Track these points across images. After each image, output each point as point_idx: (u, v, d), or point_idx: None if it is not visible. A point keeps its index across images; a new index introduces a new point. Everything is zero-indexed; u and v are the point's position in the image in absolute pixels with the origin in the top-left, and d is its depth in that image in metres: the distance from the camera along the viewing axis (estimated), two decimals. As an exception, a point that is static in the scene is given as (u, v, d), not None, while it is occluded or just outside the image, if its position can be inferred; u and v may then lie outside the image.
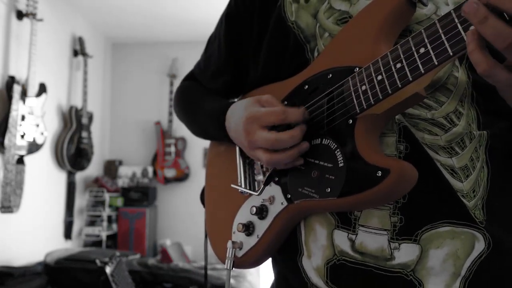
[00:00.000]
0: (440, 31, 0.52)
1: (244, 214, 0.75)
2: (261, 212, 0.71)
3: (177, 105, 0.98)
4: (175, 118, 4.84)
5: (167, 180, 4.78)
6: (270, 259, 0.82)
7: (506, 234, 0.63)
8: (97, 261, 3.01)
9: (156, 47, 5.06)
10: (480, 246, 0.61)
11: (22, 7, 3.33)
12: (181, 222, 4.80)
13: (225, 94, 0.91)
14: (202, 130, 0.92)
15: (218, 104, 0.84)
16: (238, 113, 0.73)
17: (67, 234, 4.04)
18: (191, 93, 0.96)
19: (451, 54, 0.51)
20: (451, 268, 0.61)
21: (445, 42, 0.51)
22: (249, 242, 0.73)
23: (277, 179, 0.71)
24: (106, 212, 4.39)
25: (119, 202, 4.58)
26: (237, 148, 0.79)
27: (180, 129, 4.85)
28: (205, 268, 0.92)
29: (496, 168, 0.64)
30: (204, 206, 0.89)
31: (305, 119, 0.67)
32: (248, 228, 0.73)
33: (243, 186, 0.76)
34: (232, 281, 3.42)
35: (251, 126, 0.68)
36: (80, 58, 4.28)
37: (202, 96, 0.92)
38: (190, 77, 1.00)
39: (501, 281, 0.62)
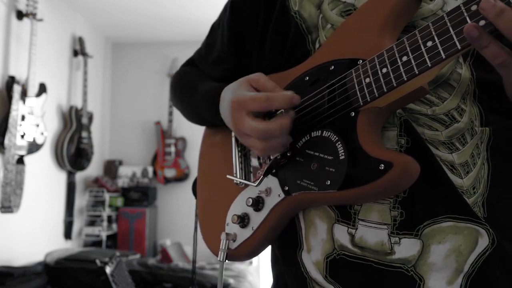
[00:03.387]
0: (449, 24, 0.51)
1: (239, 206, 0.74)
2: (257, 204, 0.70)
3: (173, 88, 0.97)
4: (175, 118, 4.84)
5: (167, 180, 4.78)
6: (270, 261, 0.81)
7: (507, 232, 0.62)
8: (97, 261, 3.01)
9: (156, 47, 5.06)
10: (484, 242, 0.60)
11: (22, 7, 3.33)
12: (181, 222, 4.79)
13: (225, 82, 0.90)
14: (197, 114, 0.90)
15: (213, 86, 0.82)
16: (228, 95, 0.71)
17: (67, 234, 4.03)
18: (188, 76, 0.94)
19: (459, 48, 0.51)
20: (453, 264, 0.60)
21: (454, 36, 0.51)
22: (244, 234, 0.72)
23: (274, 170, 0.70)
24: (106, 212, 4.39)
25: (119, 202, 4.57)
26: (233, 139, 0.78)
27: (180, 129, 4.85)
28: (193, 262, 0.91)
29: (498, 165, 0.63)
30: (196, 198, 0.89)
31: (294, 105, 0.64)
32: (243, 220, 0.71)
33: (238, 176, 0.75)
34: (232, 281, 3.42)
35: (237, 113, 0.66)
36: (80, 58, 4.28)
37: (199, 80, 0.90)
38: (190, 63, 0.98)
39: (505, 279, 0.61)
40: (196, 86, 0.88)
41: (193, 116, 0.92)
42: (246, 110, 0.65)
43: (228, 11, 0.88)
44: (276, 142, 0.65)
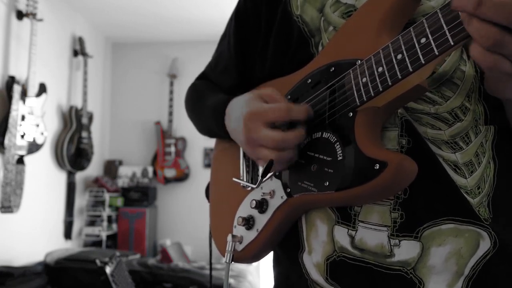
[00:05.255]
0: (442, 20, 0.51)
1: (245, 208, 0.75)
2: (261, 206, 0.70)
3: (185, 103, 0.99)
4: (175, 118, 4.84)
5: (167, 180, 4.78)
6: (271, 260, 0.82)
7: None
8: (97, 261, 3.01)
9: (156, 47, 5.06)
10: (485, 245, 0.59)
11: (22, 7, 3.33)
12: (181, 222, 4.79)
13: (234, 92, 0.89)
14: (205, 126, 0.91)
15: (220, 99, 0.83)
16: (238, 109, 0.72)
17: (67, 234, 4.03)
18: (198, 91, 0.96)
19: (452, 43, 0.50)
20: (454, 267, 0.59)
21: (447, 32, 0.50)
22: (249, 236, 0.72)
23: (277, 173, 0.70)
24: (106, 212, 4.39)
25: (119, 202, 4.58)
26: None
27: (180, 129, 4.85)
28: (210, 264, 0.92)
29: (504, 164, 0.62)
30: (209, 201, 0.90)
31: (309, 116, 0.66)
32: (248, 222, 0.72)
33: (245, 180, 0.76)
34: (232, 281, 3.42)
35: (253, 123, 0.66)
36: (80, 58, 4.28)
37: (207, 93, 0.91)
38: (202, 77, 1.00)
39: (507, 282, 0.60)
40: (204, 99, 0.89)
41: (203, 129, 0.94)
42: (263, 121, 0.65)
43: (233, 20, 0.89)
44: (288, 154, 0.65)
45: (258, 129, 0.65)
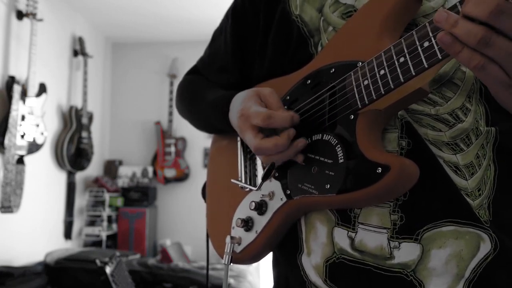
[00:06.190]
0: None
1: (243, 210, 0.74)
2: (261, 207, 0.70)
3: (179, 97, 0.97)
4: (175, 118, 4.84)
5: (167, 180, 4.78)
6: (271, 260, 0.82)
7: None
8: (97, 261, 3.01)
9: (156, 47, 5.06)
10: (486, 247, 0.59)
11: (22, 7, 3.33)
12: (181, 222, 4.79)
13: (231, 89, 0.88)
14: (205, 122, 0.90)
15: (221, 94, 0.83)
16: (237, 105, 0.72)
17: (67, 234, 4.03)
18: (194, 85, 0.95)
19: None
20: (454, 270, 0.59)
21: None
22: (248, 237, 0.72)
23: (277, 174, 0.70)
24: (106, 212, 4.39)
25: (119, 202, 4.57)
26: (239, 143, 0.79)
27: (180, 129, 4.85)
28: (207, 265, 0.91)
29: (505, 166, 0.62)
30: (205, 201, 0.89)
31: (294, 123, 0.65)
32: (247, 224, 0.72)
33: (243, 181, 0.76)
34: (232, 281, 3.42)
35: (243, 123, 0.68)
36: (80, 58, 4.28)
37: (206, 88, 0.90)
38: (193, 72, 0.98)
39: (508, 284, 0.60)
40: (203, 94, 0.89)
41: (201, 124, 0.93)
42: (249, 124, 0.67)
43: (230, 18, 0.88)
44: (273, 158, 0.66)
45: (246, 131, 0.68)
